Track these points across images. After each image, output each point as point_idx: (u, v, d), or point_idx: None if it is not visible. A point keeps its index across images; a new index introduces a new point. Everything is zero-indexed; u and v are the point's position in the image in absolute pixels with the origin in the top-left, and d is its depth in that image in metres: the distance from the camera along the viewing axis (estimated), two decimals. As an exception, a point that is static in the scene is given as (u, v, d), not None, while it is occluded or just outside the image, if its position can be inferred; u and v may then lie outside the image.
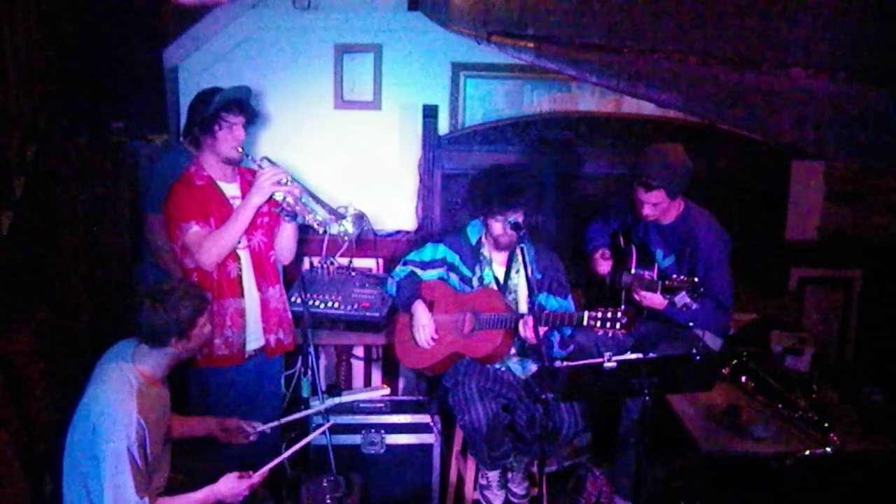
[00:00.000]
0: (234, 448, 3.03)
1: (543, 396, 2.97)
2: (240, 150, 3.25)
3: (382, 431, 3.65)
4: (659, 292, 3.34)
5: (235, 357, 3.30)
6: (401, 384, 4.40)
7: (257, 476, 2.72)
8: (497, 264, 3.51)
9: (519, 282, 3.45)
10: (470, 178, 3.84)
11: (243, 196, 3.28)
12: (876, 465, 3.04)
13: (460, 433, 3.52)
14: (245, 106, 3.28)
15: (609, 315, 3.08)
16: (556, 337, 3.43)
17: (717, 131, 4.07)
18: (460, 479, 3.64)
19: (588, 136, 4.21)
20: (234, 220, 3.17)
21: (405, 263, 3.62)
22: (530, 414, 3.37)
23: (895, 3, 0.57)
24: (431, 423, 3.67)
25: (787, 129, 0.74)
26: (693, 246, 3.47)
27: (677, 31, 0.95)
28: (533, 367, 3.53)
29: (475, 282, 3.49)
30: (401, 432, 3.66)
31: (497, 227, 3.35)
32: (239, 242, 3.26)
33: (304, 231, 3.65)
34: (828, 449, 2.98)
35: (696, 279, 3.23)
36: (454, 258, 3.53)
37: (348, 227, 3.21)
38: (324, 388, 3.65)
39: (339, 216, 3.21)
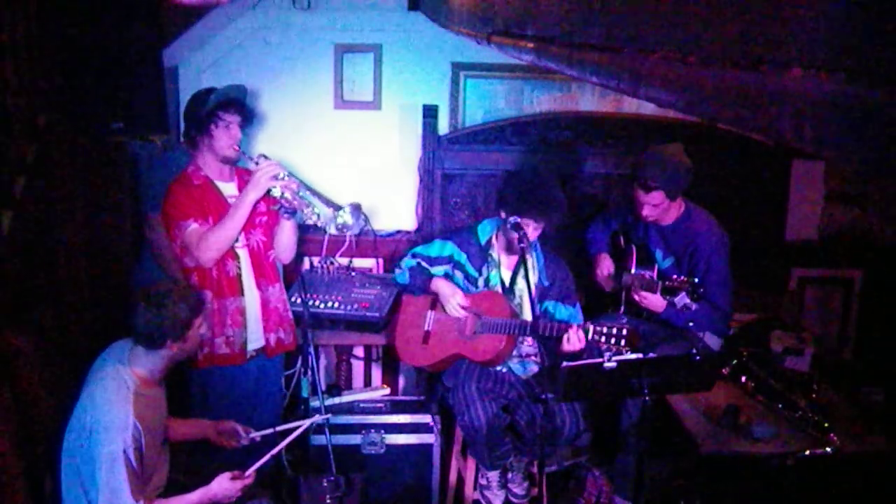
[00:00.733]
0: (231, 449, 3.03)
1: (544, 396, 2.97)
2: (237, 148, 3.26)
3: (382, 431, 3.64)
4: (658, 292, 3.34)
5: (237, 356, 3.30)
6: (401, 384, 4.40)
7: (249, 475, 2.72)
8: (505, 267, 3.50)
9: (525, 287, 3.44)
10: (506, 173, 3.86)
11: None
12: (876, 465, 3.04)
13: (460, 433, 3.52)
14: (241, 104, 3.30)
15: (614, 331, 3.07)
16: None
17: (717, 131, 4.07)
18: (460, 479, 3.64)
19: (588, 136, 4.21)
20: (233, 216, 3.18)
21: (413, 256, 3.61)
22: (531, 414, 3.37)
23: (895, 3, 0.57)
24: (431, 423, 3.66)
25: (787, 129, 0.74)
26: (693, 247, 3.47)
27: (677, 31, 0.95)
28: (534, 368, 3.53)
29: (481, 282, 3.49)
30: (401, 432, 3.66)
31: (525, 227, 3.24)
32: (237, 241, 3.26)
33: (305, 231, 3.65)
34: (828, 449, 2.97)
35: (696, 280, 3.22)
36: (461, 256, 3.53)
37: (347, 218, 3.21)
38: (324, 388, 3.65)
39: (336, 207, 3.21)
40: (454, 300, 3.42)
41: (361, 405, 3.75)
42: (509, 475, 3.56)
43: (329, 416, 3.25)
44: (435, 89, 4.22)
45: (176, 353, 2.63)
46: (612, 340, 3.04)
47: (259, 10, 4.08)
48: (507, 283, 3.49)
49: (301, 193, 3.24)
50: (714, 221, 3.53)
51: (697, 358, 2.84)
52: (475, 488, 3.58)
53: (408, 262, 3.60)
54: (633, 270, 3.58)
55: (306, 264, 4.16)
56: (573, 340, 3.16)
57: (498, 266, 3.49)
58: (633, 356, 2.82)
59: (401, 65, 4.21)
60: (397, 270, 3.65)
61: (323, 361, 4.29)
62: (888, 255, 4.31)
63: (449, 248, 3.55)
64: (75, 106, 3.13)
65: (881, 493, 3.03)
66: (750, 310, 4.04)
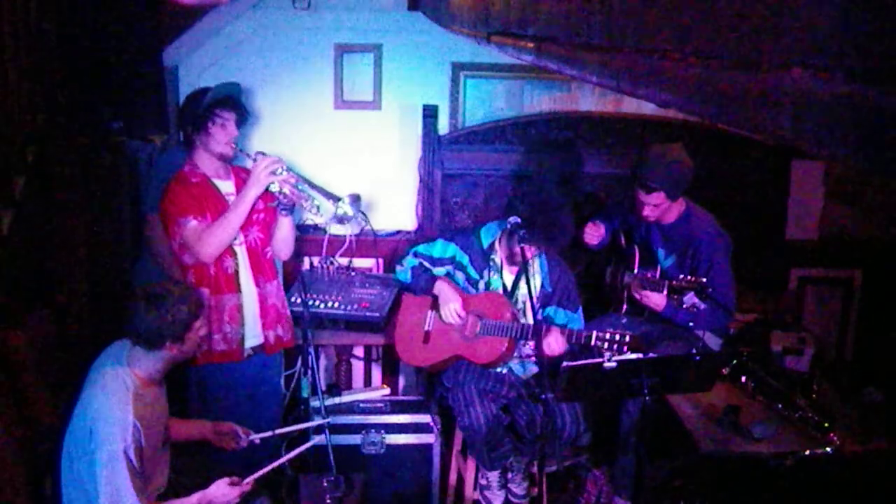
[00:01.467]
0: (231, 451, 3.03)
1: (544, 397, 2.97)
2: (233, 145, 3.27)
3: (382, 431, 3.64)
4: (665, 292, 3.33)
5: (234, 353, 3.31)
6: (401, 384, 4.39)
7: (247, 483, 2.71)
8: (507, 272, 3.50)
9: (526, 291, 3.44)
10: (515, 184, 3.87)
11: (238, 193, 3.29)
12: (876, 465, 3.04)
13: (460, 433, 3.52)
14: (236, 102, 3.31)
15: (617, 338, 3.06)
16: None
17: (717, 131, 4.07)
18: (460, 479, 3.64)
19: (588, 136, 4.21)
20: (233, 212, 3.19)
21: (415, 255, 3.60)
22: (530, 414, 3.37)
23: (894, 3, 0.57)
24: (431, 423, 3.66)
25: (787, 129, 0.73)
26: (695, 247, 3.46)
27: (677, 31, 0.95)
28: (534, 368, 3.53)
29: (481, 285, 3.48)
30: (401, 432, 3.66)
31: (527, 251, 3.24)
32: (235, 238, 3.27)
33: (305, 231, 3.65)
34: (828, 449, 2.97)
35: (703, 280, 3.22)
36: (464, 258, 3.52)
37: (346, 208, 3.21)
38: (324, 388, 3.64)
39: (335, 199, 3.22)
40: (451, 306, 3.41)
41: (361, 405, 3.75)
42: (509, 475, 3.56)
43: (329, 419, 3.26)
44: (435, 89, 4.22)
45: (175, 355, 2.63)
46: (615, 347, 3.05)
47: (259, 10, 4.08)
48: (508, 287, 3.48)
49: (300, 187, 3.25)
50: (715, 222, 3.53)
51: (697, 358, 2.84)
52: (475, 488, 3.58)
53: (410, 261, 3.60)
54: (636, 271, 3.58)
55: (306, 264, 4.16)
56: (553, 346, 3.18)
57: (500, 270, 3.49)
58: (633, 356, 2.82)
59: (401, 65, 4.21)
60: (399, 268, 3.64)
61: (323, 361, 4.29)
62: (888, 255, 4.30)
63: (452, 250, 3.55)
64: (75, 106, 3.13)
65: (881, 492, 3.03)
66: (750, 310, 4.04)
